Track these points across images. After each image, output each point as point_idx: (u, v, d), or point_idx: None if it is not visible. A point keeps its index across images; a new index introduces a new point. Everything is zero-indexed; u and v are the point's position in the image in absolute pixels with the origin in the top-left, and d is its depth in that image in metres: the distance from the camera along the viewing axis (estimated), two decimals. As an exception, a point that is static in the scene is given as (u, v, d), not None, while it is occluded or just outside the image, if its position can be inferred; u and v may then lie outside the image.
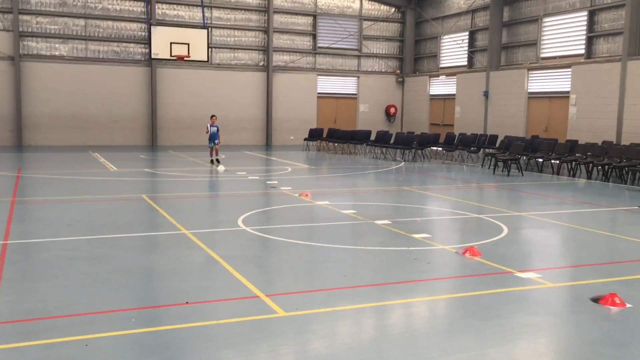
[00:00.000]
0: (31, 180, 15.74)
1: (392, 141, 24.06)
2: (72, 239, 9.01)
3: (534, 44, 25.24)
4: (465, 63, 29.20)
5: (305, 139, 27.20)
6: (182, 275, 7.21)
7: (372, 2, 32.13)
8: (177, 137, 28.59)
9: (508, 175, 18.17)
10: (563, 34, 24.04)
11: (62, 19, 26.82)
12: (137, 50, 28.10)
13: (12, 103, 25.99)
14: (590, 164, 18.03)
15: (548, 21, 24.75)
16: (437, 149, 24.89)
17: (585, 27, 22.89)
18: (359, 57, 32.30)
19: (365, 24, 32.06)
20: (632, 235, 10.03)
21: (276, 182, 15.84)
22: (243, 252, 8.48)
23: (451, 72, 29.88)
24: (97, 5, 27.25)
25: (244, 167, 19.22)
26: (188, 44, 22.18)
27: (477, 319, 5.87)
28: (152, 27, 22.89)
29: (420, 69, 32.70)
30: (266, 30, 30.06)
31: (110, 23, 27.56)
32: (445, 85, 30.32)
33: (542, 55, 24.92)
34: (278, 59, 30.48)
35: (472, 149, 22.69)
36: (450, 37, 30.26)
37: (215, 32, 29.17)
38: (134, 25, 27.94)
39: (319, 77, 31.47)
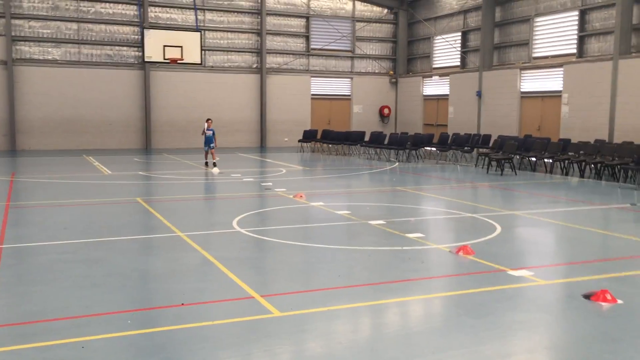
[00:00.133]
0: (25, 185, 15.73)
1: (386, 142, 24.14)
2: (68, 242, 9.03)
3: (526, 43, 25.37)
4: (458, 63, 29.31)
5: (299, 141, 27.25)
6: (178, 277, 7.25)
7: (365, 4, 32.22)
8: (171, 139, 28.59)
9: (501, 174, 18.26)
10: (555, 33, 24.18)
11: (54, 23, 26.79)
12: (130, 53, 28.09)
13: (5, 107, 25.94)
14: (583, 163, 18.14)
15: (540, 21, 24.88)
16: (430, 149, 24.97)
17: (576, 27, 23.03)
18: (352, 58, 32.38)
19: (358, 25, 32.14)
20: (624, 232, 10.12)
21: (271, 183, 15.88)
22: (238, 253, 8.52)
23: (444, 72, 29.98)
24: (89, 9, 27.24)
25: (238, 169, 19.24)
26: (181, 47, 22.22)
27: (471, 316, 5.93)
28: (145, 31, 22.91)
29: (413, 70, 32.80)
30: (259, 33, 30.10)
31: (103, 27, 27.55)
32: (438, 85, 30.42)
33: (534, 55, 25.05)
34: (271, 60, 30.52)
35: (465, 148, 22.78)
36: (442, 38, 30.37)
37: (209, 34, 29.19)
38: (126, 29, 27.93)
39: (312, 78, 31.52)
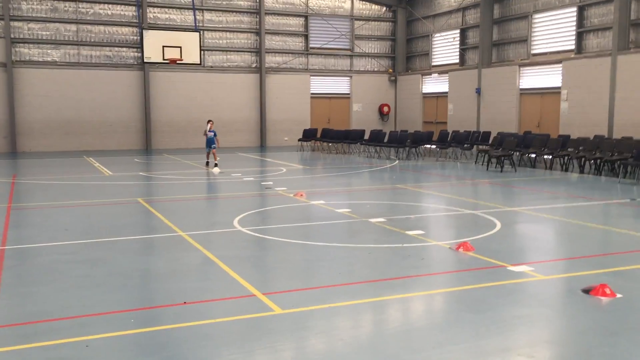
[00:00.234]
0: (26, 186, 15.76)
1: (385, 140, 24.16)
2: (69, 243, 9.07)
3: (525, 40, 25.39)
4: (457, 61, 29.33)
5: (299, 140, 27.28)
6: (179, 277, 7.28)
7: (363, 2, 32.24)
8: (171, 140, 28.63)
9: (501, 171, 18.29)
10: (553, 30, 24.20)
11: (53, 25, 26.82)
12: (130, 54, 28.12)
13: (5, 109, 25.98)
14: (583, 158, 18.16)
15: (538, 17, 24.90)
16: (430, 147, 25.01)
17: (575, 23, 23.05)
18: (351, 56, 32.40)
19: (357, 23, 32.16)
20: (623, 227, 10.16)
21: (271, 182, 15.91)
22: (239, 252, 8.55)
23: (443, 70, 30.00)
24: (88, 10, 27.27)
25: (238, 169, 19.28)
26: (180, 47, 22.24)
27: (471, 312, 5.96)
28: (144, 31, 22.93)
29: (412, 68, 32.82)
30: (258, 32, 30.12)
31: (102, 28, 27.58)
32: (437, 83, 30.44)
33: (533, 52, 25.07)
34: (271, 60, 30.55)
35: (465, 146, 22.81)
36: (441, 35, 30.39)
37: (208, 34, 29.22)
38: (125, 30, 27.95)
39: (311, 77, 31.55)
